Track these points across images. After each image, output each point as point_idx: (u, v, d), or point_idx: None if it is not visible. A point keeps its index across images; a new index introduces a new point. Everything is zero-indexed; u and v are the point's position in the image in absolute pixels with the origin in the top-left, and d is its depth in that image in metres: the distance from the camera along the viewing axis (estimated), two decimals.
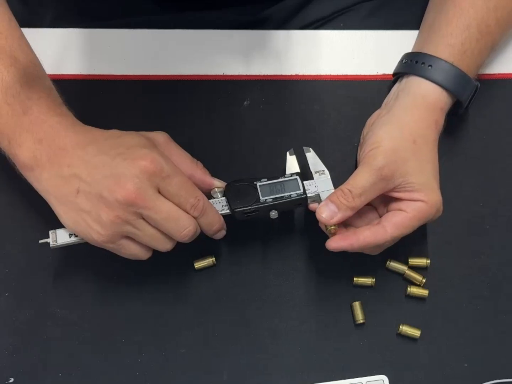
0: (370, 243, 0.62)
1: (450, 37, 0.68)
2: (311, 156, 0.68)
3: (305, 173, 0.67)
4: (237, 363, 0.65)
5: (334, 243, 0.62)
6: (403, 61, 0.71)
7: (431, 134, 0.66)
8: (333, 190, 0.65)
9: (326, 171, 0.66)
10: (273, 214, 0.64)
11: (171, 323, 0.67)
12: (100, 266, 0.68)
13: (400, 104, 0.67)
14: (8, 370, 0.65)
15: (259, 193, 0.64)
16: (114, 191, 0.58)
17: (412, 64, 0.69)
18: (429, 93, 0.67)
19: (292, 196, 0.64)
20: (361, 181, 0.62)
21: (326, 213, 0.62)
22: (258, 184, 0.65)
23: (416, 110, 0.66)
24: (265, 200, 0.64)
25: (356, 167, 0.70)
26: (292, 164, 0.67)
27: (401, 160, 0.63)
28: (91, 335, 0.66)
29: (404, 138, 0.64)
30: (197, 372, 0.65)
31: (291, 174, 0.66)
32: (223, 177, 0.66)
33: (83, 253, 0.65)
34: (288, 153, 0.68)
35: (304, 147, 0.68)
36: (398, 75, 0.72)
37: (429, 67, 0.67)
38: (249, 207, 0.64)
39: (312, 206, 0.65)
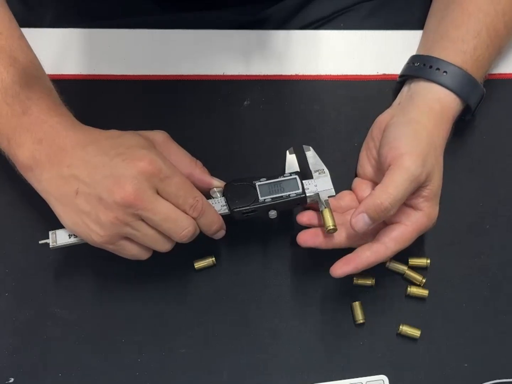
0: (373, 263, 0.62)
1: (461, 42, 0.68)
2: (311, 155, 0.68)
3: (305, 172, 0.66)
4: (237, 363, 0.65)
5: (339, 270, 0.62)
6: (415, 64, 0.70)
7: (444, 143, 0.66)
8: (332, 190, 0.65)
9: (326, 170, 0.66)
10: (272, 214, 0.64)
11: (171, 323, 0.67)
12: (100, 266, 0.68)
13: (417, 107, 0.66)
14: (8, 370, 0.65)
15: (258, 192, 0.64)
16: (113, 192, 0.58)
17: (426, 69, 0.68)
18: (443, 100, 0.67)
19: (291, 195, 0.64)
20: (401, 191, 0.60)
21: (360, 227, 0.61)
22: (257, 183, 0.65)
23: (434, 116, 0.66)
24: (264, 200, 0.64)
25: (356, 167, 0.70)
26: (291, 163, 0.67)
27: (430, 166, 0.62)
28: (91, 335, 0.66)
29: (429, 143, 0.63)
30: (197, 372, 0.65)
31: (290, 174, 0.66)
32: (223, 177, 0.66)
33: (83, 253, 0.65)
34: (288, 151, 0.68)
35: (304, 146, 0.68)
36: (406, 77, 0.71)
37: (444, 73, 0.67)
38: (248, 207, 0.64)
39: (300, 219, 0.65)
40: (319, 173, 0.66)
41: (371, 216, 0.60)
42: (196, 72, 0.76)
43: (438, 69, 0.67)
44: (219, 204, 0.64)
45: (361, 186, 0.68)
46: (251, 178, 0.65)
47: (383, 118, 0.69)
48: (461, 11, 0.69)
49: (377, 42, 0.78)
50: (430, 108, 0.66)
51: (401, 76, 0.72)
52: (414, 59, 0.71)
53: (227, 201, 0.64)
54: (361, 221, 0.61)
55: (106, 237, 0.59)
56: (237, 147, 0.73)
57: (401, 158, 0.61)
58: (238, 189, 0.64)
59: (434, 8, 0.74)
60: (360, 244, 0.64)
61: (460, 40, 0.68)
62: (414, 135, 0.63)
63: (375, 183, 0.68)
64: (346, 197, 0.68)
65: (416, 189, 0.62)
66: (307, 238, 0.64)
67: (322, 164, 0.67)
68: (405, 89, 0.70)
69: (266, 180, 0.65)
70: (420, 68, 0.69)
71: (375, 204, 0.60)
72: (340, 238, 0.64)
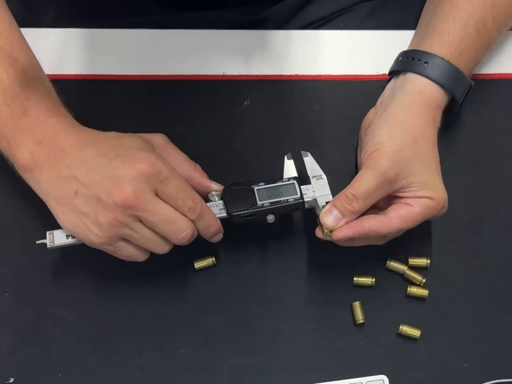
0: (375, 232, 0.62)
1: (447, 34, 0.68)
2: (309, 161, 0.67)
3: (303, 178, 0.66)
4: (237, 363, 0.65)
5: (340, 233, 0.62)
6: (399, 59, 0.70)
7: (430, 132, 0.65)
8: (330, 195, 0.65)
9: (324, 176, 0.66)
10: (270, 218, 0.64)
11: (171, 323, 0.67)
12: (100, 266, 0.68)
13: (397, 101, 0.66)
14: (8, 370, 0.65)
15: (256, 197, 0.64)
16: (112, 194, 0.58)
17: (408, 62, 0.68)
18: (425, 90, 0.66)
19: (289, 200, 0.64)
20: (365, 185, 0.62)
21: (330, 220, 0.62)
22: (256, 188, 0.65)
23: (414, 107, 0.66)
24: (262, 204, 0.64)
25: (356, 167, 0.71)
26: (289, 169, 0.67)
27: (404, 161, 0.62)
28: (91, 335, 0.66)
29: (405, 138, 0.64)
30: (197, 372, 0.65)
31: (289, 179, 0.66)
32: (223, 177, 0.66)
33: (83, 253, 0.65)
34: (286, 157, 0.68)
35: (302, 152, 0.68)
36: (393, 74, 0.71)
37: (425, 64, 0.67)
38: (246, 211, 0.64)
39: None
40: (317, 179, 0.66)
41: (338, 207, 0.62)
42: (196, 72, 0.76)
43: (419, 60, 0.67)
44: (217, 208, 0.64)
45: None
46: (249, 182, 0.65)
47: (367, 118, 0.69)
48: (450, 3, 0.69)
49: (377, 42, 0.78)
50: (411, 99, 0.66)
51: (389, 74, 0.72)
52: (400, 55, 0.71)
53: (225, 205, 0.64)
54: (330, 214, 0.62)
55: (104, 238, 0.59)
56: (237, 147, 0.73)
57: (369, 157, 0.63)
58: (236, 193, 0.64)
59: (427, 4, 0.74)
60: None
61: (445, 32, 0.68)
62: (388, 132, 0.64)
63: None
64: None
65: (402, 187, 0.63)
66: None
67: (320, 169, 0.67)
68: (389, 85, 0.70)
69: (265, 184, 0.65)
70: (403, 62, 0.69)
71: (341, 196, 0.62)
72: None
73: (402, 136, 0.64)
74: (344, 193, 0.62)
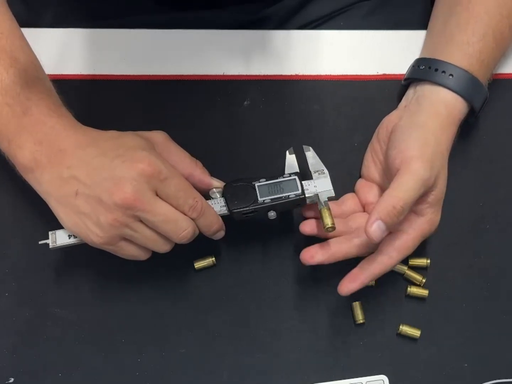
0: (378, 275, 0.62)
1: (467, 46, 0.68)
2: (311, 156, 0.67)
3: (305, 172, 0.66)
4: (237, 363, 0.65)
5: (346, 288, 0.62)
6: (420, 67, 0.69)
7: (449, 147, 0.65)
8: (332, 190, 0.65)
9: (326, 171, 0.66)
10: (272, 214, 0.64)
11: (171, 323, 0.67)
12: (100, 266, 0.68)
13: (425, 111, 0.66)
14: (8, 370, 0.65)
15: (258, 193, 0.64)
16: (112, 194, 0.57)
17: (431, 72, 0.67)
18: (451, 104, 0.66)
19: (290, 196, 0.64)
20: (412, 194, 0.60)
21: (376, 234, 0.59)
22: (257, 184, 0.65)
23: (440, 119, 0.65)
24: (263, 200, 0.64)
25: (361, 168, 0.70)
26: (291, 163, 0.67)
27: (437, 170, 0.62)
28: (91, 335, 0.66)
29: (437, 148, 0.63)
30: (197, 372, 0.65)
31: (290, 174, 0.65)
32: (223, 177, 0.66)
33: (83, 253, 0.65)
34: (287, 152, 0.68)
35: (304, 146, 0.68)
36: (411, 80, 0.70)
37: (450, 77, 0.66)
38: (247, 208, 0.64)
39: (303, 229, 0.65)
40: (319, 174, 0.66)
41: (386, 222, 0.59)
42: (196, 72, 0.76)
43: (444, 72, 0.67)
44: (219, 205, 0.64)
45: (364, 188, 0.68)
46: (250, 178, 0.65)
47: (390, 119, 0.68)
48: (466, 13, 0.69)
49: (377, 42, 0.78)
50: (437, 111, 0.66)
51: (406, 79, 0.71)
52: (419, 62, 0.70)
53: (226, 202, 0.64)
54: (377, 230, 0.59)
55: (106, 238, 0.59)
56: (237, 147, 0.73)
57: (410, 161, 0.61)
58: (237, 190, 0.64)
59: (437, 10, 0.74)
60: (368, 252, 0.64)
61: (465, 43, 0.68)
62: (423, 139, 0.63)
63: (379, 185, 0.68)
64: (348, 201, 0.68)
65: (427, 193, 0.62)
66: (313, 253, 0.63)
67: (322, 164, 0.67)
68: (410, 91, 0.70)
69: (266, 180, 0.65)
70: (426, 71, 0.68)
71: (388, 209, 0.59)
72: (348, 248, 0.64)
73: (435, 146, 0.63)
74: (393, 205, 0.59)
